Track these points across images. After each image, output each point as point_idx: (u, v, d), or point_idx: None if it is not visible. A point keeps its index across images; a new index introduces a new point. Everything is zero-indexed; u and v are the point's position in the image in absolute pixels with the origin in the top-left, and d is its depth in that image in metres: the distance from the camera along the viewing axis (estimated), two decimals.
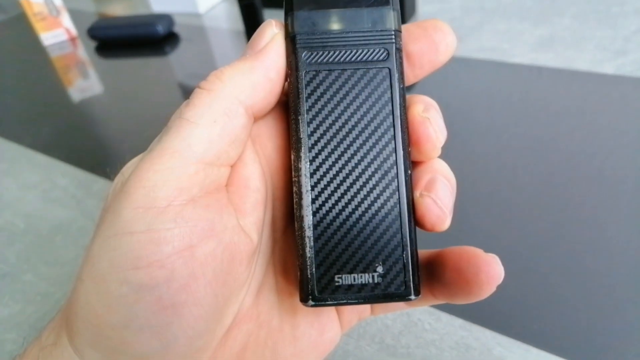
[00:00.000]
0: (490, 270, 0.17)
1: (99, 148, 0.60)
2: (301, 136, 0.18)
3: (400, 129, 0.18)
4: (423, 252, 0.20)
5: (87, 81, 0.77)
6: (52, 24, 0.87)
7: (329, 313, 0.21)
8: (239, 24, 0.82)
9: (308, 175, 0.18)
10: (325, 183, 0.18)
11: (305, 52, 0.18)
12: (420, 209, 0.18)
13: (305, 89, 0.18)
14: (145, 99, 0.69)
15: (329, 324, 0.20)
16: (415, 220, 0.18)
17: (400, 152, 0.18)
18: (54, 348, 0.17)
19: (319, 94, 0.18)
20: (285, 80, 0.18)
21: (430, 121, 0.18)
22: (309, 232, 0.17)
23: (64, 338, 0.17)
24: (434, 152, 0.18)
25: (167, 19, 0.83)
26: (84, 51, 0.86)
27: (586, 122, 0.47)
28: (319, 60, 0.18)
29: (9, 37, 1.00)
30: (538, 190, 0.41)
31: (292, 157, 0.18)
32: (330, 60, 0.18)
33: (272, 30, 0.18)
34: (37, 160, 0.59)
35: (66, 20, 0.88)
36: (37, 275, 0.43)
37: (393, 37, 0.18)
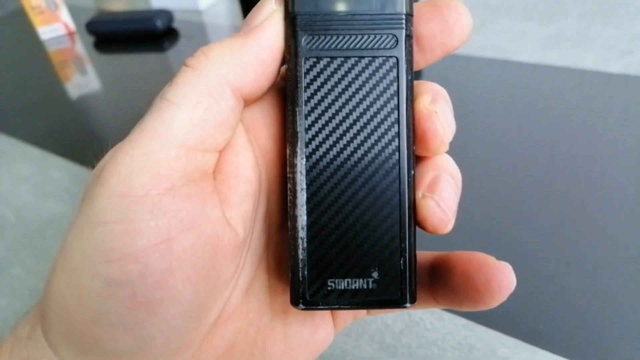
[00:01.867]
0: (503, 279, 0.16)
1: (95, 143, 0.59)
2: (298, 129, 0.16)
3: (405, 125, 0.16)
4: (425, 254, 0.19)
5: (84, 76, 0.76)
6: (50, 18, 0.86)
7: (322, 312, 0.19)
8: (239, 21, 0.81)
9: (304, 172, 0.16)
10: (322, 181, 0.16)
11: (306, 36, 0.16)
12: (422, 211, 0.16)
13: (305, 77, 0.16)
14: (143, 95, 0.67)
15: (322, 324, 0.19)
16: (415, 223, 0.17)
17: (404, 151, 0.16)
18: (28, 341, 0.16)
19: (319, 84, 0.16)
20: (283, 64, 0.17)
21: (437, 115, 0.17)
22: (302, 233, 0.16)
23: (38, 331, 0.16)
24: (441, 148, 0.17)
25: (166, 14, 0.82)
26: (82, 46, 0.85)
27: (592, 121, 0.46)
28: (321, 45, 0.16)
29: (6, 31, 0.99)
30: (543, 189, 0.40)
31: (288, 151, 0.17)
32: (333, 46, 0.16)
33: (271, 6, 0.16)
34: (31, 153, 0.58)
35: (64, 14, 0.87)
36: (25, 270, 0.42)
37: (403, 22, 0.16)
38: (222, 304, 0.17)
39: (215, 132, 0.15)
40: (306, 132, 0.16)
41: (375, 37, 0.16)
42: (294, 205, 0.16)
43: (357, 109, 0.16)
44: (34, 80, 0.77)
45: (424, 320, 0.33)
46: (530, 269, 0.34)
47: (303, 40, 0.16)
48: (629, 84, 0.50)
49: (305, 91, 0.16)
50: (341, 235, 0.16)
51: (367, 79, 0.16)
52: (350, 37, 0.16)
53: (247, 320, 0.18)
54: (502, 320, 0.32)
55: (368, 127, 0.16)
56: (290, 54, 0.16)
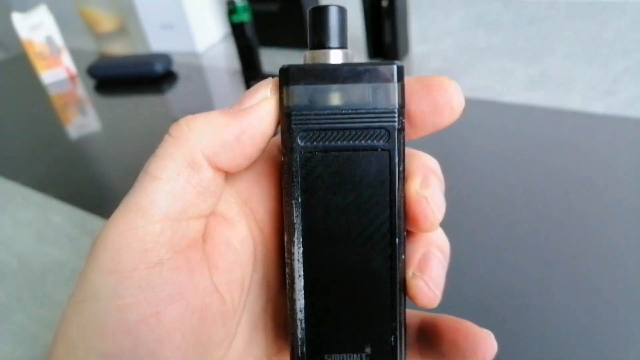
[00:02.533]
0: (488, 348, 0.17)
1: (95, 186, 0.60)
2: (294, 220, 0.17)
3: (397, 214, 0.17)
4: (413, 314, 0.20)
5: (85, 119, 0.78)
6: (52, 62, 0.88)
7: None
8: (235, 63, 0.83)
9: (301, 260, 0.17)
10: (318, 268, 0.17)
11: (301, 133, 0.17)
12: (412, 289, 0.17)
13: (300, 172, 0.17)
14: (142, 137, 0.69)
15: None
16: (405, 302, 0.18)
17: (395, 238, 0.17)
18: None
19: (313, 178, 0.17)
20: (282, 157, 0.17)
21: (427, 200, 0.17)
22: (300, 315, 0.17)
23: None
24: (431, 229, 0.18)
25: (165, 58, 0.85)
26: (83, 89, 0.87)
27: (576, 160, 0.48)
28: (315, 140, 0.17)
29: (9, 75, 1.01)
30: (531, 228, 0.41)
31: (285, 238, 0.17)
32: (327, 141, 0.17)
33: (265, 92, 0.17)
34: (33, 198, 0.59)
35: (66, 59, 0.89)
36: (27, 316, 0.43)
37: (395, 116, 0.17)
38: None
39: (197, 201, 0.16)
40: (302, 223, 0.17)
41: (369, 131, 0.17)
42: (292, 289, 0.17)
43: (351, 199, 0.17)
44: (36, 123, 0.79)
45: None
46: (518, 310, 0.35)
47: (298, 138, 0.17)
48: (610, 124, 0.52)
49: (300, 185, 0.17)
50: (336, 315, 0.17)
51: (361, 172, 0.17)
52: (344, 131, 0.17)
53: None
54: None
55: (361, 215, 0.17)
56: (286, 148, 0.17)
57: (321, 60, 0.17)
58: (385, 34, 0.71)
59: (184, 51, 0.92)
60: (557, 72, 0.63)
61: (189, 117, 0.16)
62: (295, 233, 0.17)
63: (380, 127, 0.17)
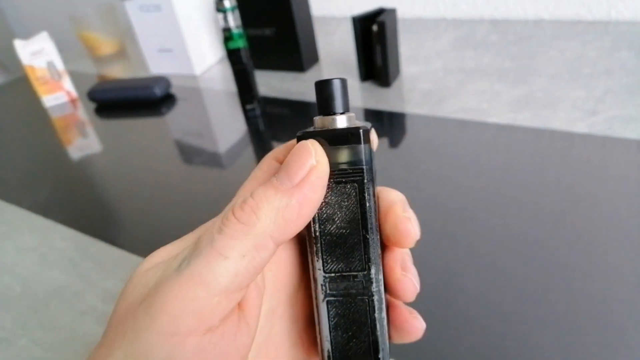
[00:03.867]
0: (416, 324, 0.22)
1: (97, 209, 0.62)
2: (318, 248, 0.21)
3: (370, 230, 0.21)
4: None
5: (86, 141, 0.80)
6: (53, 87, 0.91)
7: None
8: (231, 85, 0.86)
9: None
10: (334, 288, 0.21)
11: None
12: (403, 284, 0.21)
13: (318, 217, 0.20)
14: (142, 158, 0.71)
15: None
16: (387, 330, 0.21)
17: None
18: None
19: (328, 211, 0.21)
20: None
21: (411, 221, 0.21)
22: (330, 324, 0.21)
23: None
24: (414, 243, 0.21)
25: (164, 81, 0.87)
26: (84, 112, 0.89)
27: (561, 180, 0.49)
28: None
29: (11, 97, 1.04)
30: (517, 246, 0.43)
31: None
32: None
33: (312, 161, 0.19)
34: (36, 223, 0.61)
35: (67, 83, 0.92)
36: (32, 341, 0.44)
37: (364, 167, 0.20)
38: None
39: (252, 278, 0.18)
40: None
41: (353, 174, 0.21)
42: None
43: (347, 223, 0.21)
44: (38, 146, 0.81)
45: None
46: (506, 328, 0.37)
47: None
48: (594, 143, 0.54)
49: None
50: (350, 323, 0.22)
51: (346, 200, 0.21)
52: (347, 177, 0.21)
53: None
54: None
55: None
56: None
57: (329, 125, 0.20)
58: (376, 57, 0.73)
59: (181, 74, 0.95)
60: (542, 93, 0.66)
61: (252, 204, 0.18)
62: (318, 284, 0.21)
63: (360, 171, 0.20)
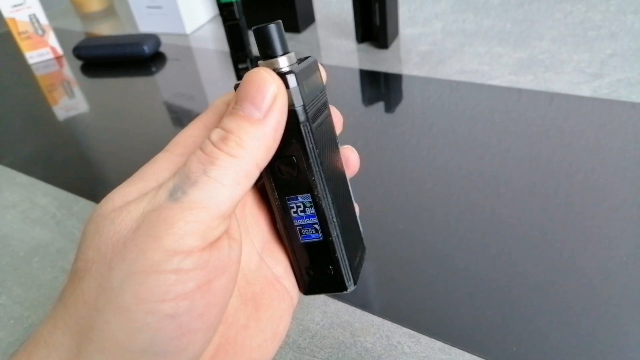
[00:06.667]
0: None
1: (81, 168, 0.59)
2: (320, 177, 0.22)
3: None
4: None
5: (71, 100, 0.77)
6: (37, 42, 0.87)
7: (280, 303, 0.24)
8: (224, 45, 0.83)
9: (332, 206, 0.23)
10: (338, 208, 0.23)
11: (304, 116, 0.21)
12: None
13: (315, 144, 0.22)
14: (130, 118, 0.69)
15: (285, 316, 0.24)
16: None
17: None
18: None
19: (320, 144, 0.22)
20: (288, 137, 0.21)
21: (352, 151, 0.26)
22: (342, 247, 0.23)
23: None
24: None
25: (153, 39, 0.84)
26: (69, 70, 0.86)
27: (564, 143, 0.48)
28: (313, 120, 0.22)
29: None
30: (519, 211, 0.42)
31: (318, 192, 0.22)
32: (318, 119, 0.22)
33: (274, 87, 0.20)
34: (18, 179, 0.58)
35: (52, 39, 0.88)
36: (11, 299, 0.43)
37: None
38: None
39: (240, 203, 0.19)
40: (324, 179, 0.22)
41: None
42: (332, 227, 0.23)
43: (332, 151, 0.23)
44: (21, 104, 0.78)
45: (402, 344, 0.34)
46: (503, 293, 0.36)
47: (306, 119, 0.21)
48: (599, 106, 0.52)
49: (318, 153, 0.22)
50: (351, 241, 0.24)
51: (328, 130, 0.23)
52: (321, 108, 0.23)
53: (227, 324, 0.22)
54: (477, 343, 0.33)
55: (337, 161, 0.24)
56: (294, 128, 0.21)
57: (273, 67, 0.21)
58: (374, 17, 0.70)
59: (172, 32, 0.91)
60: (545, 56, 0.63)
61: (236, 138, 0.19)
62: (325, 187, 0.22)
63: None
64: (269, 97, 0.19)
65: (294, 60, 0.22)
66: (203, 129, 0.21)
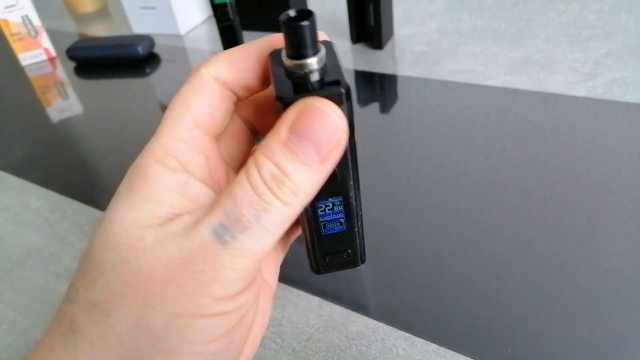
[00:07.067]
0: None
1: (75, 170, 0.59)
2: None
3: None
4: None
5: (65, 101, 0.76)
6: (30, 44, 0.86)
7: (265, 297, 0.23)
8: (218, 45, 0.82)
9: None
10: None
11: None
12: None
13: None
14: (124, 120, 0.68)
15: (268, 307, 0.24)
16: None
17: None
18: None
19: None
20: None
21: None
22: (360, 232, 0.23)
23: None
24: None
25: (147, 40, 0.83)
26: (63, 71, 0.85)
27: (559, 143, 0.48)
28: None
29: None
30: (514, 211, 0.42)
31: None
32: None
33: (341, 134, 0.18)
34: (11, 182, 0.58)
35: (45, 40, 0.87)
36: (3, 303, 0.42)
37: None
38: None
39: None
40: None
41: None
42: (357, 218, 0.23)
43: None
44: (14, 106, 0.78)
45: (397, 347, 0.34)
46: (499, 295, 0.36)
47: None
48: (593, 106, 0.52)
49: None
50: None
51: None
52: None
53: None
54: (472, 345, 0.33)
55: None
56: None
57: (306, 69, 0.18)
58: (369, 17, 0.70)
59: (166, 33, 0.91)
60: (539, 56, 0.63)
61: (291, 185, 0.18)
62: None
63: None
64: (335, 143, 0.18)
65: (324, 57, 0.19)
66: (194, 129, 0.19)
